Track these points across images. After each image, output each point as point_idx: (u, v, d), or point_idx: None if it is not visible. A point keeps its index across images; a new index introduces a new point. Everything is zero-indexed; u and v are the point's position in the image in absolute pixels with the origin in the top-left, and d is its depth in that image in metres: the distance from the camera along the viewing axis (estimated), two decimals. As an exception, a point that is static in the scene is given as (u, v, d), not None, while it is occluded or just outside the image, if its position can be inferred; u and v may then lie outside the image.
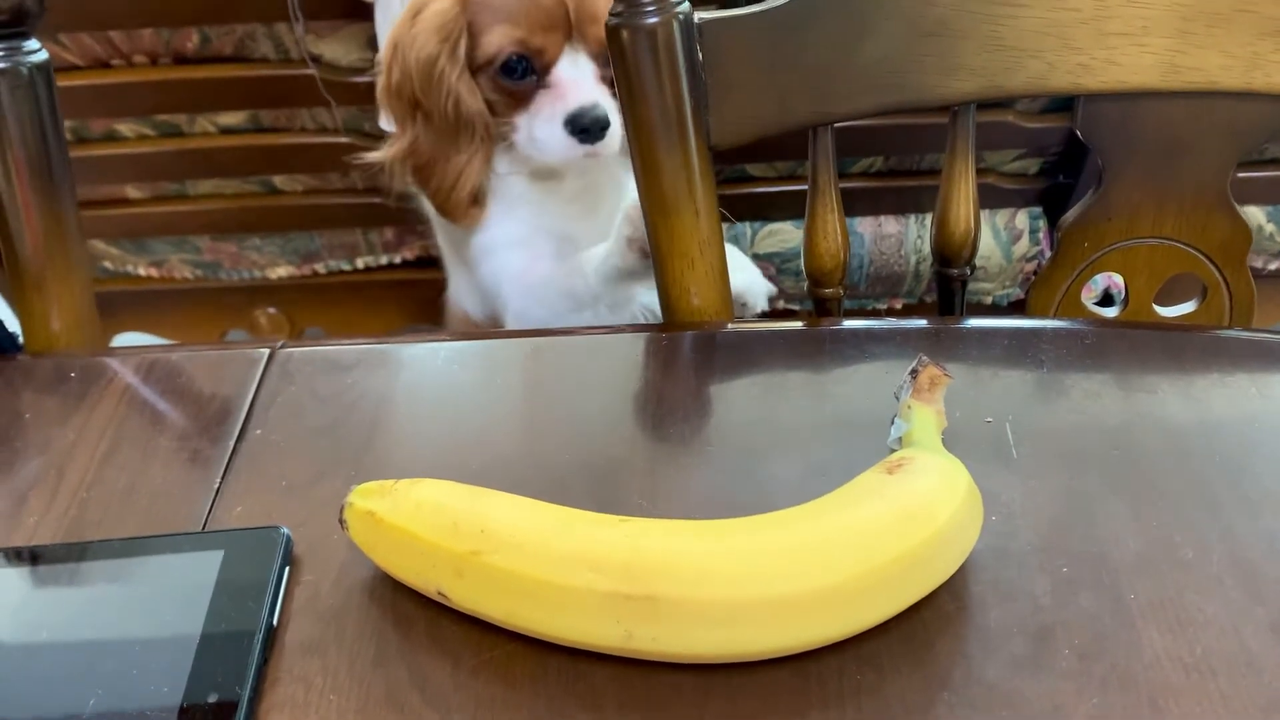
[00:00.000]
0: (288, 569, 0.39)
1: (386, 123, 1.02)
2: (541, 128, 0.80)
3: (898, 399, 0.42)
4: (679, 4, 0.49)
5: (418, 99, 0.80)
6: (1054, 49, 0.51)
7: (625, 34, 0.49)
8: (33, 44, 0.52)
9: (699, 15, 0.50)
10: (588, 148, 0.80)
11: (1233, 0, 0.49)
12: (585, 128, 0.79)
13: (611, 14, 0.49)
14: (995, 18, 0.50)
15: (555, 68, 0.80)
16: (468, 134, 0.81)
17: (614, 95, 0.81)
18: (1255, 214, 1.13)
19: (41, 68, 0.52)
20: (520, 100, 0.81)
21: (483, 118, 0.81)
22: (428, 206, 0.90)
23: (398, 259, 1.29)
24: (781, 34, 0.50)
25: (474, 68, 0.80)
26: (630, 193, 0.78)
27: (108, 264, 1.29)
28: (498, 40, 0.78)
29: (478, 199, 0.85)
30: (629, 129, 0.52)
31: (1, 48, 0.51)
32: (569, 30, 0.79)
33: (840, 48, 0.51)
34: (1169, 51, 0.50)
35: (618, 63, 0.50)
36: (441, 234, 0.98)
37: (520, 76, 0.80)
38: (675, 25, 0.49)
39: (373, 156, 0.86)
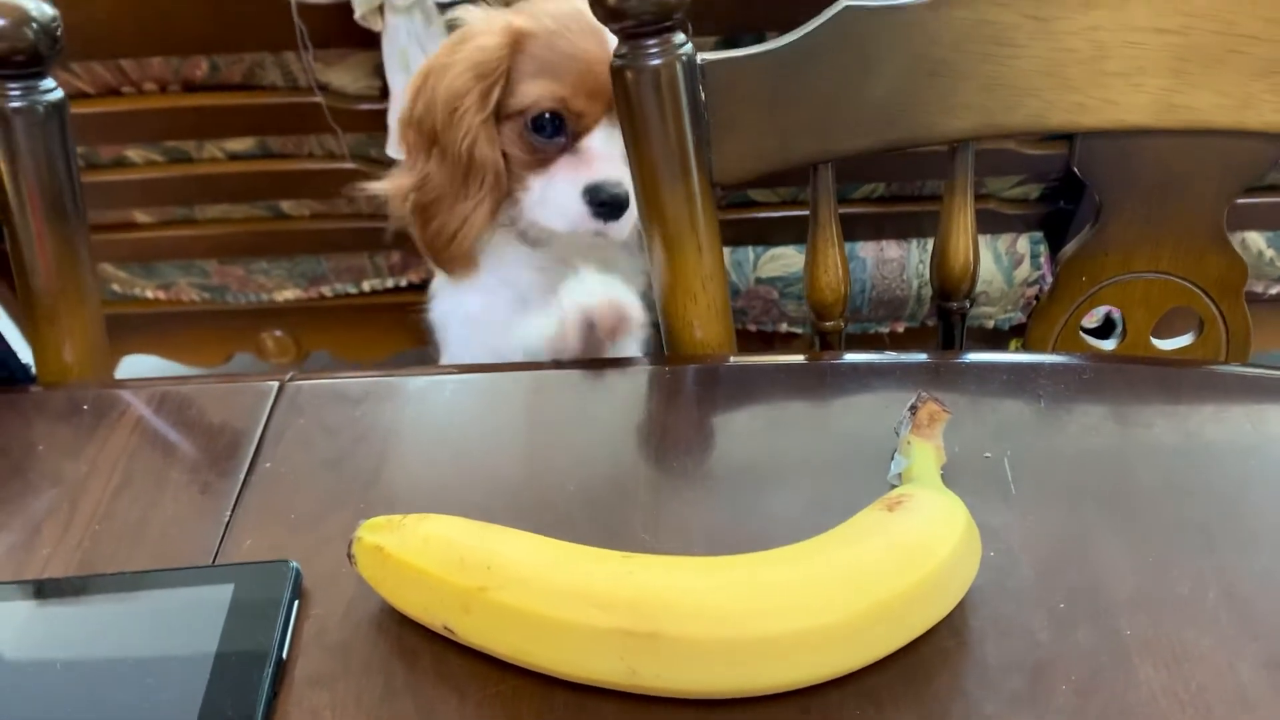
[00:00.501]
0: (297, 602, 0.40)
1: (394, 149, 1.03)
2: (558, 191, 0.76)
3: (898, 434, 0.43)
4: (682, 45, 0.50)
5: (435, 134, 0.77)
6: (1052, 88, 0.52)
7: (629, 75, 0.50)
8: (48, 83, 0.53)
9: (702, 56, 0.51)
10: (600, 224, 0.76)
11: (1225, 41, 0.50)
12: (603, 202, 0.74)
13: (616, 55, 0.50)
14: (995, 57, 0.51)
15: (588, 136, 0.76)
16: (476, 181, 0.77)
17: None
18: (1256, 240, 1.13)
19: (57, 106, 0.53)
20: (541, 161, 0.77)
21: (495, 167, 0.77)
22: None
23: (403, 282, 1.30)
24: (783, 74, 0.51)
25: (502, 114, 0.76)
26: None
27: (116, 287, 1.30)
28: (536, 93, 0.74)
29: (473, 253, 0.81)
30: (633, 166, 0.53)
31: (18, 87, 0.52)
32: (612, 102, 0.73)
33: (841, 87, 0.52)
34: (1164, 91, 0.51)
35: (622, 102, 0.51)
36: None
37: (549, 135, 0.76)
38: (678, 66, 0.50)
39: (376, 187, 0.82)
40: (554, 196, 0.77)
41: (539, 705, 0.36)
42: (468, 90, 0.74)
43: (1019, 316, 1.21)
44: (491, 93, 0.74)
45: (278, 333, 1.34)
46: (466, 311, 0.86)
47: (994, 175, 1.10)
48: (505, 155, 0.78)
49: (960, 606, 0.37)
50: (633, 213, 0.75)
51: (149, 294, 1.32)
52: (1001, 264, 1.16)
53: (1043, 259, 1.15)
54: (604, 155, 0.75)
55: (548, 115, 0.74)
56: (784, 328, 1.24)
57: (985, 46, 0.51)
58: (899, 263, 1.17)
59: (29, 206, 0.54)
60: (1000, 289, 1.17)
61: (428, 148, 0.78)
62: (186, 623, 0.39)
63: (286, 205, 1.20)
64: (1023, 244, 1.16)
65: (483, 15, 0.77)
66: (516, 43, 0.74)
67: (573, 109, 0.75)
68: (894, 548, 0.36)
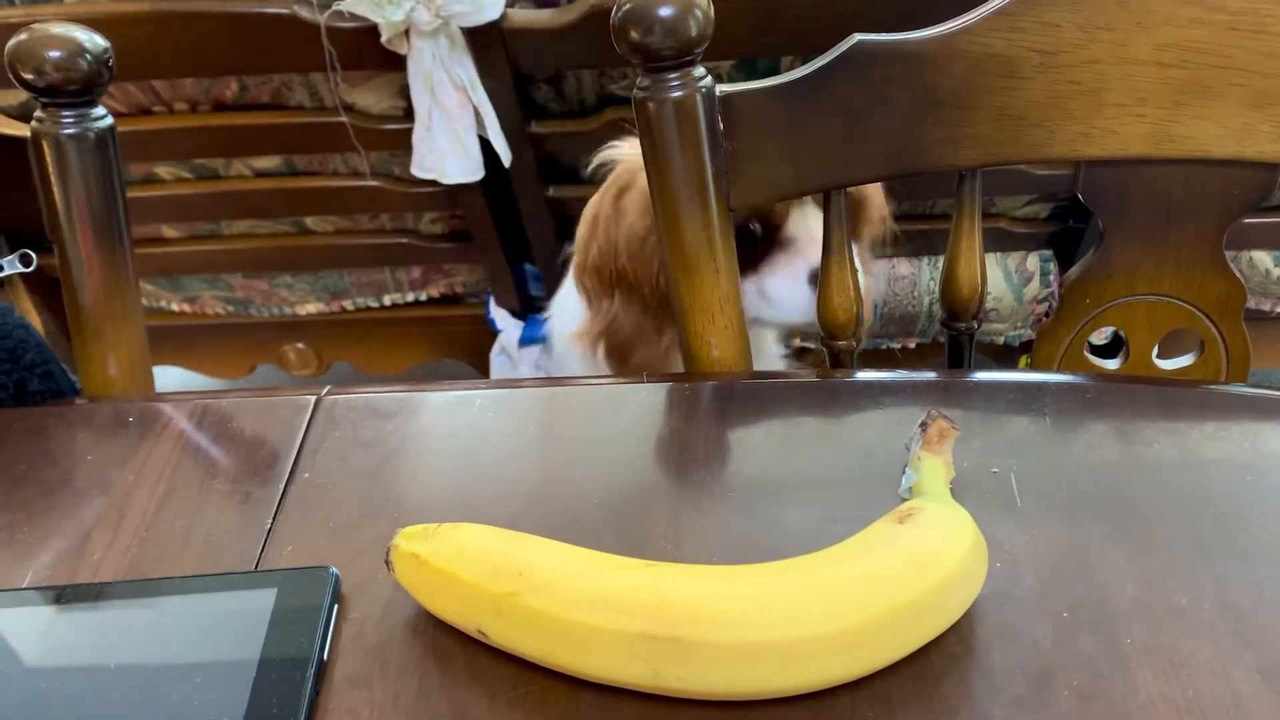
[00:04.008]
0: (336, 606, 0.42)
1: (417, 169, 1.06)
2: (780, 285, 0.79)
3: (908, 450, 0.45)
4: (702, 78, 0.53)
5: (620, 275, 0.79)
6: (1055, 118, 0.54)
7: (651, 106, 0.52)
8: (99, 110, 0.56)
9: (720, 88, 0.53)
10: None
11: (1223, 75, 0.52)
12: None
13: (639, 88, 0.53)
14: (1001, 89, 0.53)
15: (785, 226, 0.78)
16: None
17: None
18: (1263, 258, 1.15)
19: (106, 132, 0.56)
20: (747, 263, 0.78)
21: None
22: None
23: (423, 296, 1.33)
24: (796, 105, 0.53)
25: None
26: None
27: (142, 300, 1.33)
28: None
29: None
30: (654, 193, 0.55)
31: (72, 114, 0.54)
32: None
33: (852, 118, 0.54)
34: (1163, 121, 0.53)
35: (644, 133, 0.53)
36: None
37: (747, 240, 0.78)
38: (698, 98, 0.52)
39: (572, 335, 0.85)
40: (778, 292, 0.79)
41: (566, 705, 0.38)
42: (648, 230, 0.76)
43: (1028, 333, 1.22)
44: None
45: (300, 345, 1.36)
46: None
47: (1004, 194, 1.12)
48: None
49: (968, 615, 0.39)
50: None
51: (174, 307, 1.35)
52: (1011, 281, 1.18)
53: (1052, 276, 1.17)
54: (809, 238, 0.77)
55: (740, 225, 0.76)
56: (797, 341, 1.25)
57: (991, 79, 0.53)
58: (910, 280, 1.18)
59: (79, 227, 0.56)
60: (1010, 306, 1.19)
61: (609, 291, 0.80)
62: (232, 625, 0.41)
63: (311, 221, 1.23)
64: (1032, 261, 1.17)
65: (628, 153, 0.79)
66: None
67: (763, 210, 0.77)
68: (904, 558, 0.38)
